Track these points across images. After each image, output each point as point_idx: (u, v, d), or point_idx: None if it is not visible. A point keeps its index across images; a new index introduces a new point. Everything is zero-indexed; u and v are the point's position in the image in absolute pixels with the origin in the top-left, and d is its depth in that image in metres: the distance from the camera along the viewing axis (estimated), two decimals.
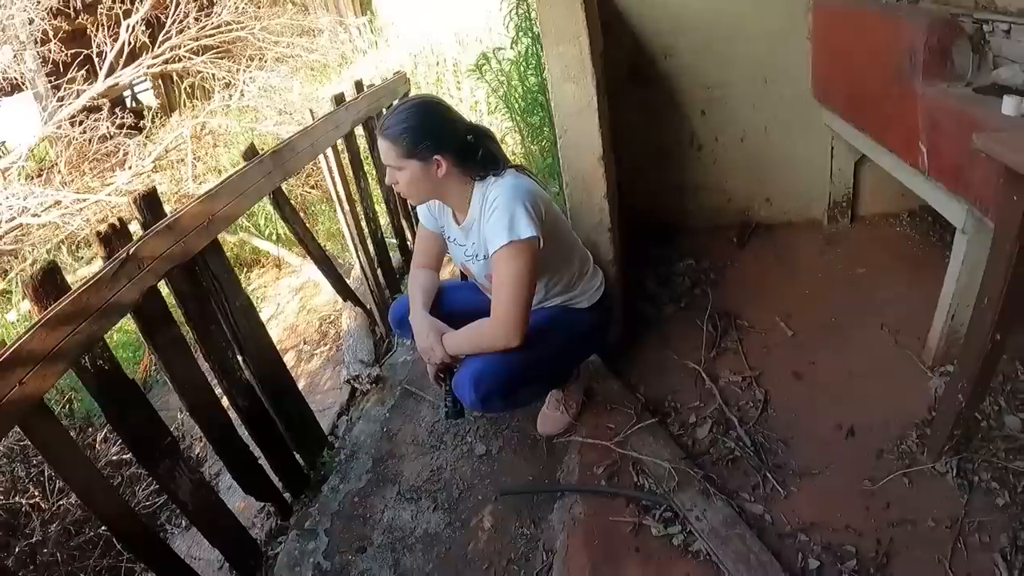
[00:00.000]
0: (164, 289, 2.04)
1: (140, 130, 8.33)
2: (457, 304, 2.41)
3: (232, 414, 2.33)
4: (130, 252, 1.84)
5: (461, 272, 2.51)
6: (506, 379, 2.13)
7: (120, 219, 1.90)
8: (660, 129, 3.60)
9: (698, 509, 2.04)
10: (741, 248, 3.57)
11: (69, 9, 7.84)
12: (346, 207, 3.33)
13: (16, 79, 8.00)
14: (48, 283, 1.67)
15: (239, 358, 2.31)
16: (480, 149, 2.08)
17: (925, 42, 2.20)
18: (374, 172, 3.94)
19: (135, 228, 1.99)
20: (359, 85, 3.75)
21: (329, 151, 3.30)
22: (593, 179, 2.57)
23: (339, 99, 3.42)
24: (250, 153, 2.59)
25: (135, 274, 1.84)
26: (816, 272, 3.27)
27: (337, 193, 3.35)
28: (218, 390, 2.30)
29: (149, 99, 11.11)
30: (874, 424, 2.29)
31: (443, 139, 2.01)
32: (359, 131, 3.76)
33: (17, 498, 2.95)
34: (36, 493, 3.05)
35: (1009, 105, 1.84)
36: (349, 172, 3.53)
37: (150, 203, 2.02)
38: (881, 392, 2.43)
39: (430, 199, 2.22)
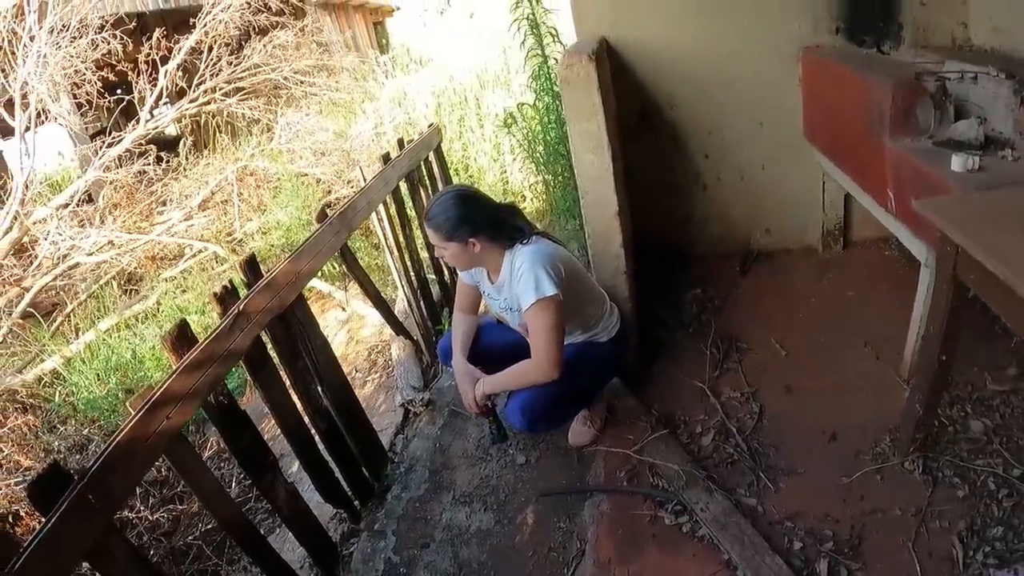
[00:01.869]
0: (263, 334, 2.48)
1: (163, 161, 8.68)
2: (494, 339, 2.86)
3: (313, 434, 2.73)
4: (240, 308, 2.29)
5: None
6: (548, 406, 2.55)
7: (231, 281, 2.36)
8: (668, 169, 3.86)
9: (702, 502, 2.42)
10: (743, 275, 3.85)
11: (111, 58, 8.18)
12: (395, 252, 3.76)
13: (46, 111, 8.32)
14: (182, 337, 2.13)
15: (319, 388, 2.73)
16: (507, 225, 2.47)
17: (891, 102, 2.44)
18: (415, 218, 4.31)
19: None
20: (400, 143, 4.17)
21: (380, 206, 3.72)
22: (611, 232, 2.95)
23: (386, 158, 3.81)
24: (322, 216, 3.05)
25: (245, 326, 2.29)
26: (810, 296, 3.53)
27: (387, 240, 3.76)
28: (303, 414, 2.67)
29: (171, 129, 11.38)
30: (853, 429, 2.60)
31: (476, 225, 2.39)
32: (402, 184, 4.11)
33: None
34: (139, 506, 3.52)
35: (957, 163, 2.12)
36: (396, 221, 3.92)
37: (252, 266, 2.48)
38: (861, 402, 2.73)
39: (469, 267, 2.63)
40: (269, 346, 2.51)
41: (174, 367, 2.07)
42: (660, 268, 3.93)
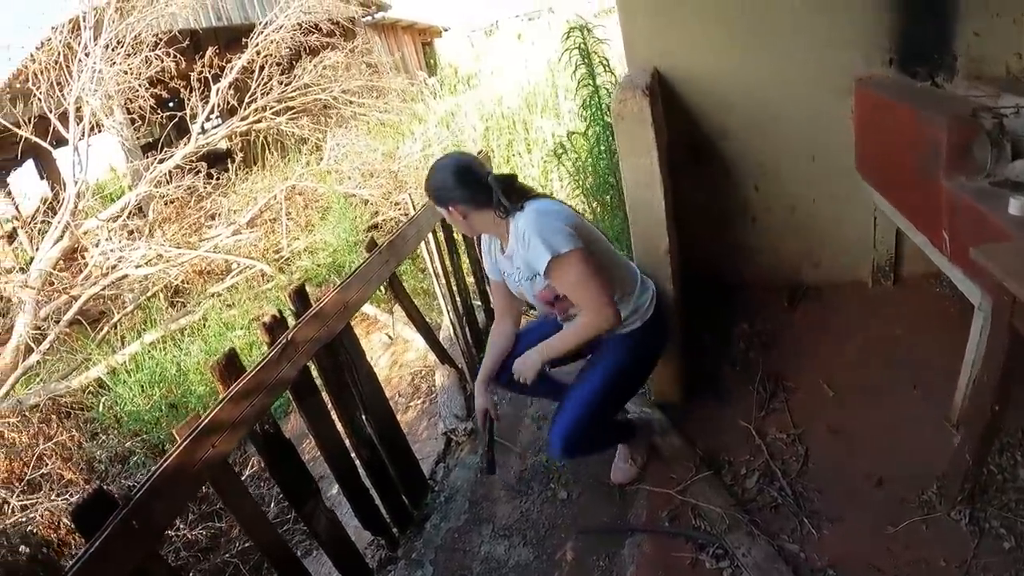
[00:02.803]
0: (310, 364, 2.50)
1: (213, 176, 8.85)
2: (533, 342, 2.64)
3: (355, 461, 2.75)
4: (289, 338, 2.32)
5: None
6: (587, 424, 2.50)
7: (279, 311, 2.39)
8: (718, 201, 3.81)
9: (744, 547, 2.39)
10: (792, 309, 3.78)
11: (164, 75, 8.36)
12: (442, 281, 3.78)
13: (99, 125, 8.50)
14: (230, 366, 2.16)
15: (364, 417, 2.76)
16: (495, 196, 2.37)
17: (947, 140, 2.37)
18: (462, 244, 4.33)
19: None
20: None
21: (429, 235, 3.74)
22: (660, 266, 2.92)
23: None
24: (371, 246, 3.08)
25: (293, 356, 2.32)
26: (859, 333, 3.45)
27: (434, 268, 3.79)
28: (346, 442, 2.71)
29: (221, 143, 11.51)
30: (900, 475, 2.53)
31: (454, 192, 2.36)
32: None
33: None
34: (179, 522, 3.57)
35: (1015, 206, 2.05)
36: (444, 247, 3.94)
37: (301, 296, 2.51)
38: (909, 446, 2.66)
39: (472, 234, 2.63)
40: (316, 375, 2.53)
41: (222, 395, 2.09)
42: (708, 300, 3.87)
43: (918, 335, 3.33)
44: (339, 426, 2.65)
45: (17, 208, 12.82)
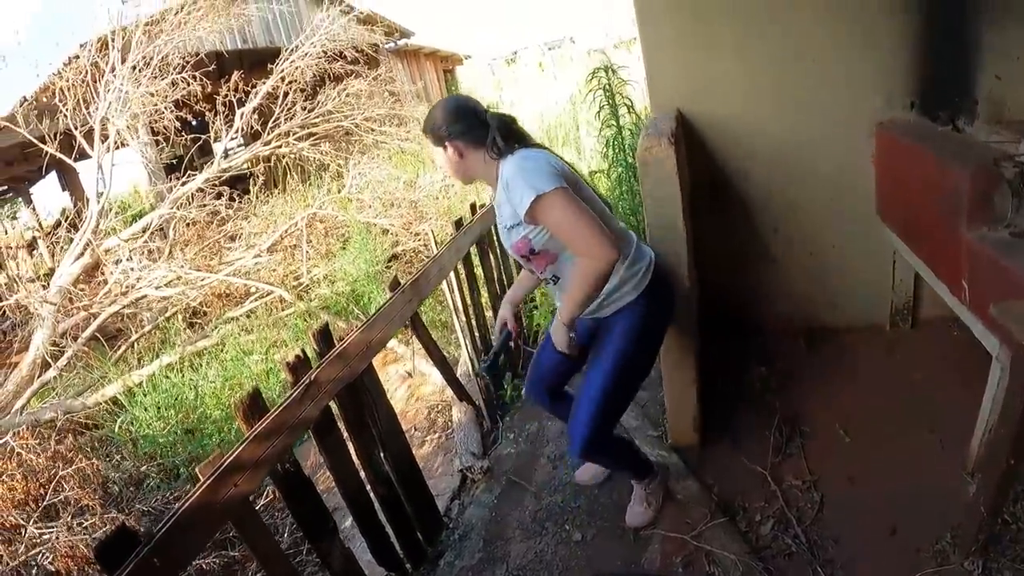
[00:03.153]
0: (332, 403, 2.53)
1: (235, 198, 8.90)
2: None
3: (372, 498, 2.78)
4: (312, 378, 2.35)
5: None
6: (598, 421, 2.46)
7: (303, 350, 2.42)
8: (737, 242, 3.82)
9: None
10: (809, 352, 3.77)
11: (189, 99, 8.47)
12: (462, 317, 3.82)
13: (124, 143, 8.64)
14: (253, 406, 2.19)
15: (382, 455, 2.78)
16: (491, 133, 2.31)
17: (969, 190, 2.38)
18: (482, 279, 4.37)
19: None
20: (473, 207, 4.27)
21: (451, 273, 3.78)
22: (682, 309, 2.85)
23: (458, 223, 3.92)
24: (394, 284, 3.12)
25: (316, 396, 2.35)
26: (875, 377, 3.46)
27: (454, 304, 3.84)
28: (363, 479, 2.73)
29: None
30: (914, 524, 2.52)
31: (453, 127, 2.29)
32: (472, 249, 4.17)
33: None
34: None
35: None
36: (465, 285, 3.99)
37: (324, 336, 2.55)
38: (924, 494, 2.64)
39: (467, 179, 2.44)
40: (336, 413, 2.56)
41: (245, 434, 2.12)
42: (726, 343, 3.89)
43: (936, 379, 3.33)
44: (357, 462, 2.67)
45: (39, 219, 12.99)
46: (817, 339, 3.88)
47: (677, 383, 3.09)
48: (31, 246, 9.73)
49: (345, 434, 2.63)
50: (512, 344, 2.77)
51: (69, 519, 3.84)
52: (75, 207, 10.57)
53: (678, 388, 3.11)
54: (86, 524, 3.80)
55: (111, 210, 7.89)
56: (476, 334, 3.99)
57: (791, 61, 3.41)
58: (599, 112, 4.15)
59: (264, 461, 2.13)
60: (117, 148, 8.06)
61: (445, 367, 3.83)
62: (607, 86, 4.07)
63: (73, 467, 4.22)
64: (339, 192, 8.72)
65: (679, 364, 3.03)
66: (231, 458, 2.02)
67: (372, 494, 2.75)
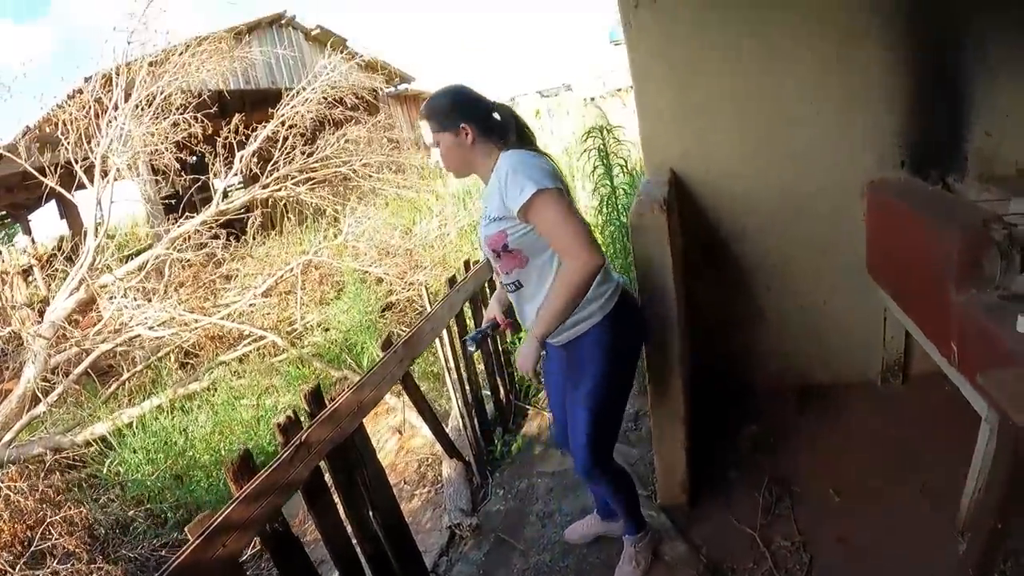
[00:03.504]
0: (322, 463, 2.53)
1: (232, 237, 9.01)
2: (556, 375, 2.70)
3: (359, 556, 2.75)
4: (302, 439, 2.35)
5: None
6: (596, 442, 2.49)
7: (295, 411, 2.43)
8: (730, 301, 3.86)
9: None
10: (800, 410, 3.78)
11: (190, 140, 8.53)
12: (454, 374, 3.83)
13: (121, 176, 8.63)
14: (244, 466, 2.19)
15: (371, 514, 2.77)
16: (500, 121, 2.34)
17: (958, 254, 2.42)
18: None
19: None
20: (467, 264, 4.30)
21: (444, 331, 3.80)
22: (671, 377, 2.93)
23: (452, 280, 3.95)
24: (387, 344, 3.13)
25: (306, 457, 2.35)
26: (866, 435, 3.46)
27: (447, 362, 3.85)
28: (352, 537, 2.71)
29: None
30: None
31: (465, 111, 2.28)
32: (466, 306, 4.20)
33: None
34: None
35: (1023, 323, 2.09)
36: (457, 342, 4.00)
37: (316, 397, 2.55)
38: (914, 554, 2.64)
39: (465, 170, 2.40)
40: (326, 473, 2.56)
41: (235, 495, 2.12)
42: (717, 402, 3.89)
43: (927, 436, 3.34)
44: (345, 520, 2.66)
45: (36, 246, 13.00)
46: (809, 397, 3.89)
47: (667, 443, 3.09)
48: (27, 272, 9.72)
49: (334, 492, 2.63)
50: (499, 330, 2.74)
51: (55, 564, 3.81)
52: (73, 239, 10.58)
53: (668, 448, 3.11)
54: (72, 570, 3.77)
55: (108, 248, 7.90)
56: (467, 388, 3.99)
57: (784, 122, 3.48)
58: (593, 171, 4.20)
59: (253, 521, 2.12)
60: (116, 180, 8.12)
61: (435, 423, 3.84)
62: (601, 146, 4.11)
63: (62, 513, 4.18)
64: (335, 238, 8.75)
65: (669, 424, 3.03)
66: (220, 519, 2.02)
67: (359, 551, 2.73)
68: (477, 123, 2.30)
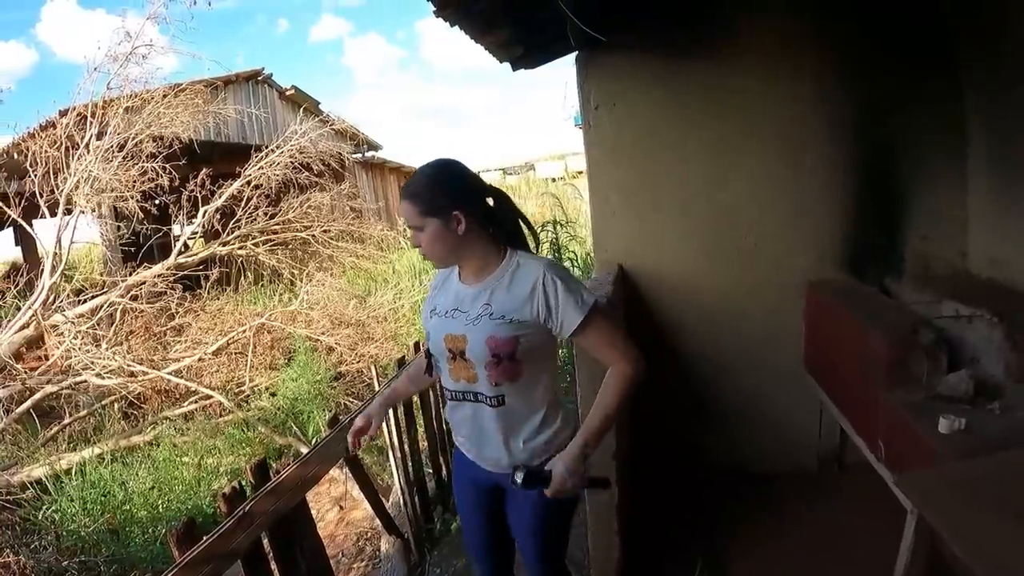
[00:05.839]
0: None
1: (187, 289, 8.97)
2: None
3: None
4: (246, 509, 2.39)
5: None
6: (550, 561, 2.25)
7: (240, 482, 2.46)
8: (673, 392, 3.89)
9: None
10: (736, 498, 3.80)
11: (156, 191, 8.53)
12: (398, 453, 3.87)
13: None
14: (187, 533, 2.22)
15: None
16: (502, 213, 2.07)
17: (886, 357, 2.54)
18: (420, 416, 4.40)
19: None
20: (417, 346, 4.39)
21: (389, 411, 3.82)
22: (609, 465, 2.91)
23: (401, 362, 4.04)
24: (333, 421, 3.19)
25: (248, 527, 2.38)
26: (801, 524, 3.49)
27: (390, 440, 3.91)
28: None
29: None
30: None
31: (460, 195, 1.95)
32: None
33: None
34: None
35: (944, 424, 2.23)
36: (403, 424, 4.07)
37: (261, 470, 2.60)
38: None
39: (451, 261, 2.07)
40: (265, 541, 2.58)
41: (177, 560, 2.15)
42: (655, 491, 3.89)
43: (860, 524, 3.35)
44: None
45: None
46: (746, 485, 3.93)
47: (602, 529, 3.10)
48: None
49: (273, 566, 2.64)
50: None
51: None
52: (27, 269, 10.42)
53: (603, 535, 3.12)
54: None
55: (63, 289, 7.84)
56: (410, 466, 4.02)
57: (729, 225, 3.66)
58: None
59: None
60: (81, 216, 8.09)
61: (376, 500, 3.87)
62: (555, 239, 4.24)
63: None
64: (290, 303, 8.76)
65: (604, 513, 3.06)
66: None
67: None
68: (473, 211, 1.98)
